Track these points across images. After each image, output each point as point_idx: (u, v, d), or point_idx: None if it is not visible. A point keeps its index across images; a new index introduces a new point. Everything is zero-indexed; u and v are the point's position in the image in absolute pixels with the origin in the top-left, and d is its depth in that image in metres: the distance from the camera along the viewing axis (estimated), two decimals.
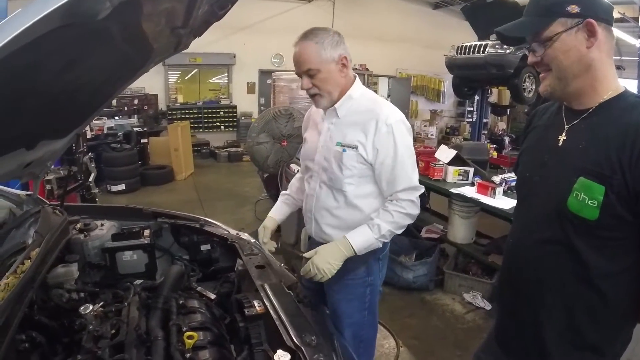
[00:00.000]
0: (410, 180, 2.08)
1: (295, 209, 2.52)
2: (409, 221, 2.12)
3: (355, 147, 2.05)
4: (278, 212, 2.49)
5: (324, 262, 2.02)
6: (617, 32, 1.49)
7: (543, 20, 1.39)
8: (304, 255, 2.06)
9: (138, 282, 2.06)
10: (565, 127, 1.48)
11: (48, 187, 5.30)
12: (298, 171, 2.58)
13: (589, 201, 1.33)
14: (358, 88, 2.13)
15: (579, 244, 1.39)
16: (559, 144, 1.48)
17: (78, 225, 2.32)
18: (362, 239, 2.05)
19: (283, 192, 2.59)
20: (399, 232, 2.12)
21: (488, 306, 4.41)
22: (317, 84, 2.03)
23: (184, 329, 1.64)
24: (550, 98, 1.54)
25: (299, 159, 2.60)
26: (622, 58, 9.38)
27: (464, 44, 9.54)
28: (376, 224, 2.05)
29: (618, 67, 1.47)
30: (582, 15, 1.34)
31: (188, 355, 1.51)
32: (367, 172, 2.09)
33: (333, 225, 2.20)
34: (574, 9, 1.34)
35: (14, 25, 0.76)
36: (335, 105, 2.10)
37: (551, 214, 1.46)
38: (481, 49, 9.00)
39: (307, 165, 2.28)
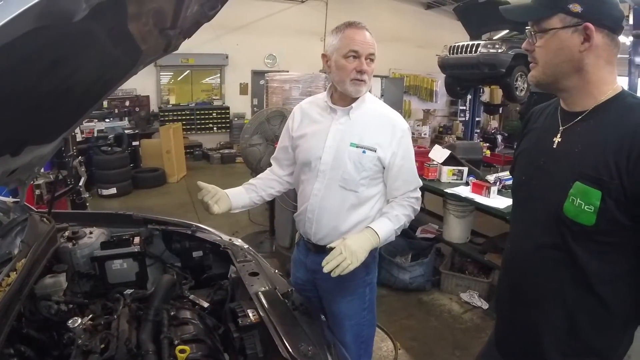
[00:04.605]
0: (418, 180, 2.25)
1: (252, 205, 2.35)
2: (414, 216, 2.23)
3: (374, 150, 2.10)
4: (236, 197, 2.23)
5: (356, 245, 1.93)
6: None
7: (545, 10, 1.36)
8: (330, 245, 1.95)
9: (129, 291, 2.00)
10: (560, 128, 1.45)
11: (37, 192, 5.22)
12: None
13: (586, 206, 1.30)
14: (368, 92, 2.19)
15: (577, 250, 1.37)
16: (554, 146, 1.46)
17: (66, 233, 2.27)
18: (385, 229, 2.07)
19: (248, 182, 2.40)
20: (407, 226, 2.22)
21: (485, 305, 4.43)
22: (369, 72, 2.06)
23: (176, 342, 1.59)
24: (537, 87, 1.53)
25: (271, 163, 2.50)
26: None
27: (457, 44, 9.57)
28: (395, 214, 2.12)
29: None
30: (582, 17, 1.30)
31: None
32: (378, 174, 2.17)
33: (334, 227, 2.17)
34: (576, 7, 1.30)
35: None
36: (353, 105, 2.13)
37: (548, 219, 1.43)
38: (473, 49, 9.03)
39: (309, 164, 2.19)
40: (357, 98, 2.12)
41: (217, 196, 2.13)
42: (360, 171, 2.10)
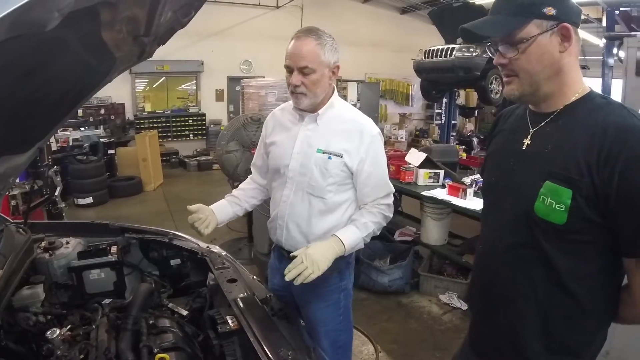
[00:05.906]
0: (389, 186, 2.21)
1: (235, 216, 2.37)
2: (385, 223, 2.22)
3: (340, 155, 2.08)
4: (221, 212, 2.28)
5: (318, 254, 1.93)
6: (581, 33, 1.47)
7: (517, 20, 1.33)
8: (292, 254, 1.95)
9: (107, 301, 1.98)
10: (531, 130, 1.46)
11: (13, 202, 5.12)
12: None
13: (556, 205, 1.31)
14: (337, 97, 2.18)
15: (548, 248, 1.37)
16: (523, 148, 1.47)
17: (43, 244, 2.24)
18: (352, 237, 2.07)
19: (231, 193, 2.43)
20: (377, 233, 2.21)
21: (464, 306, 4.45)
22: (307, 83, 2.01)
23: (155, 350, 1.58)
24: (517, 102, 1.53)
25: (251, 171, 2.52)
26: (587, 58, 9.61)
27: (432, 48, 9.67)
28: (363, 222, 2.11)
29: (583, 67, 1.45)
30: (557, 18, 1.31)
31: None
32: (347, 180, 2.14)
33: (304, 233, 2.18)
34: (551, 10, 1.30)
35: None
36: (319, 112, 2.12)
37: (519, 219, 1.43)
38: (448, 53, 9.14)
39: (279, 171, 2.21)
40: (326, 103, 2.13)
41: (207, 221, 2.16)
42: (326, 177, 2.10)
